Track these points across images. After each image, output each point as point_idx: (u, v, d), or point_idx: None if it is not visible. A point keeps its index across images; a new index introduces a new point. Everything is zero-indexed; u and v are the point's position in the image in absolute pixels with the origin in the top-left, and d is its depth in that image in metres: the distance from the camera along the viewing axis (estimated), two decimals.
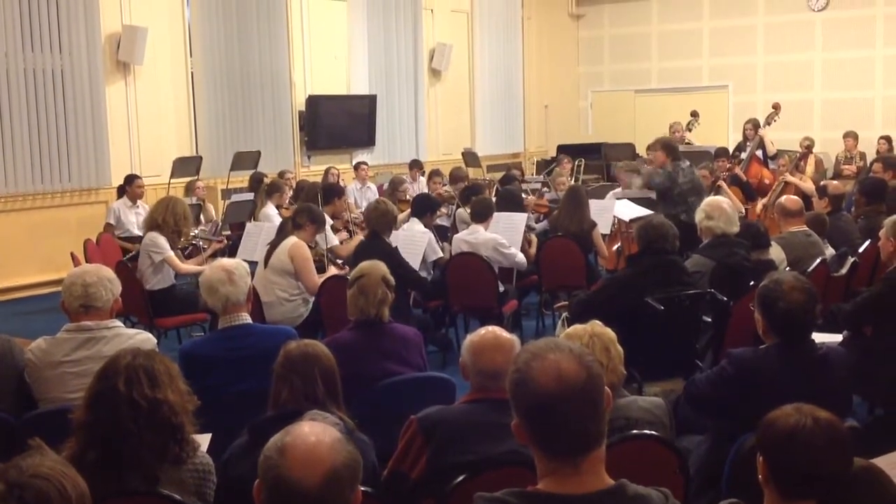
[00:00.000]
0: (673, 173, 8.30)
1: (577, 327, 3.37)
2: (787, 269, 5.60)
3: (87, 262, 7.25)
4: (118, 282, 3.97)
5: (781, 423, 2.33)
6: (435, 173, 11.16)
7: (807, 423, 2.30)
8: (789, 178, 10.75)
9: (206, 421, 3.01)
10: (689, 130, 13.49)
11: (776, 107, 11.85)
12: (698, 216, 5.79)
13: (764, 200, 10.72)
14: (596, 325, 3.37)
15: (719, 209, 5.67)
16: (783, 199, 6.71)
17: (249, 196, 9.80)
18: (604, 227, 8.35)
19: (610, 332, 3.34)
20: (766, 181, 11.15)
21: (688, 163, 8.63)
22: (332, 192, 8.43)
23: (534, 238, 8.11)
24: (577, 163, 13.99)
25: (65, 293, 3.88)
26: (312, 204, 7.25)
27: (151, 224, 6.97)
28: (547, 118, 17.99)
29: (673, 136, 13.20)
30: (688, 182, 8.28)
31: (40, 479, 1.90)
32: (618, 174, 10.48)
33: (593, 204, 8.29)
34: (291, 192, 9.81)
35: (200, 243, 7.88)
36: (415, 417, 3.12)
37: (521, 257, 7.37)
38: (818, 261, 5.79)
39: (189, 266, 7.01)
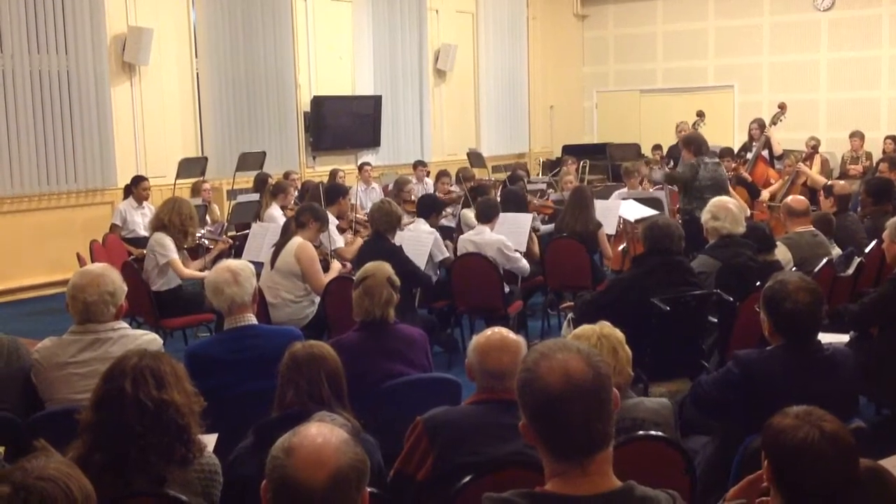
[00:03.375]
0: (696, 166, 8.34)
1: (585, 328, 3.36)
2: (794, 269, 5.59)
3: (92, 263, 7.25)
4: (122, 288, 3.92)
5: (789, 437, 2.29)
6: (443, 174, 11.16)
7: (814, 436, 2.26)
8: (802, 167, 10.74)
9: (212, 422, 3.01)
10: (695, 130, 13.46)
11: (782, 107, 11.84)
12: (704, 216, 5.78)
13: (775, 187, 10.72)
14: (605, 326, 3.36)
15: (725, 209, 5.66)
16: (789, 199, 6.70)
17: (255, 197, 9.81)
18: (609, 228, 8.34)
19: (618, 334, 3.34)
20: (772, 181, 11.14)
21: (716, 159, 8.65)
22: (336, 192, 8.43)
23: (535, 236, 8.09)
24: (581, 163, 13.99)
25: (68, 303, 3.87)
26: (315, 203, 7.26)
27: (157, 225, 6.98)
28: (552, 118, 17.98)
29: (679, 136, 13.20)
30: (709, 178, 8.28)
31: (46, 481, 1.90)
32: (625, 175, 10.46)
33: (598, 204, 8.29)
34: (297, 193, 9.81)
35: (206, 243, 7.88)
36: (420, 418, 3.12)
37: (524, 263, 7.35)
38: (824, 261, 5.77)
39: (192, 272, 6.97)
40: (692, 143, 8.70)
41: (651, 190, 10.18)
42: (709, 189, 8.17)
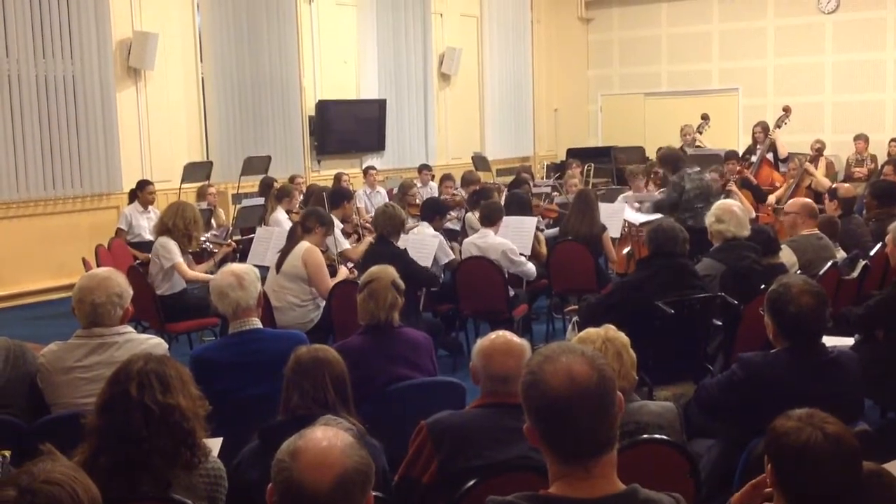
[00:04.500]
0: (680, 182, 8.33)
1: (590, 331, 3.36)
2: (799, 272, 5.58)
3: (98, 267, 7.25)
4: (129, 291, 3.95)
5: (792, 439, 2.29)
6: (447, 177, 11.19)
7: (817, 438, 2.26)
8: (809, 167, 10.74)
9: (217, 425, 3.02)
10: (700, 133, 13.47)
11: (786, 109, 11.82)
12: (708, 220, 5.78)
13: (779, 192, 10.71)
14: (609, 330, 3.35)
15: (730, 212, 5.66)
16: (805, 200, 6.70)
17: (260, 201, 9.82)
18: (614, 231, 8.34)
19: (623, 337, 3.33)
20: (777, 184, 11.13)
21: (697, 168, 8.64)
22: (340, 195, 8.45)
23: (542, 237, 8.10)
24: (586, 167, 13.99)
25: (74, 305, 3.89)
26: (320, 207, 7.27)
27: (162, 229, 6.99)
28: (556, 122, 17.99)
29: (683, 139, 13.20)
30: (695, 188, 8.31)
31: (52, 484, 1.90)
32: (629, 178, 10.47)
33: (603, 207, 8.29)
34: (301, 197, 9.83)
35: (210, 247, 7.89)
36: (425, 422, 3.12)
37: (529, 267, 7.34)
38: (829, 264, 5.77)
39: (197, 273, 6.98)
40: (668, 162, 8.78)
41: (656, 193, 10.18)
42: (697, 199, 8.20)
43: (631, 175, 10.47)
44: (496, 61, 16.37)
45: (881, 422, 5.33)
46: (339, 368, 3.18)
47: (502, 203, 8.25)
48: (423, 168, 12.77)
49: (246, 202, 9.92)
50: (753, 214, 9.28)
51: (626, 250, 8.71)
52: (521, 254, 7.37)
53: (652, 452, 3.05)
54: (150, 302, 6.68)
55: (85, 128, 10.44)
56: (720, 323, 5.18)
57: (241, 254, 8.05)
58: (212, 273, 6.53)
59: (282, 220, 8.71)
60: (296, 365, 3.15)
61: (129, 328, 3.96)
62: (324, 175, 13.08)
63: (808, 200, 6.69)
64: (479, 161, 13.93)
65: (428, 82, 15.02)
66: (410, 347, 4.28)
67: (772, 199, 10.59)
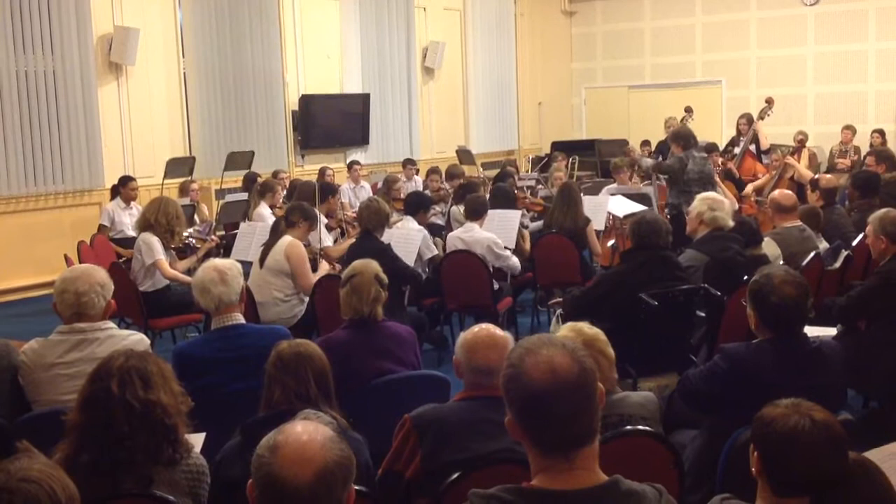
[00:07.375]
0: (685, 160, 8.43)
1: (566, 332, 3.30)
2: (782, 264, 5.59)
3: (80, 264, 7.20)
4: (111, 285, 3.94)
5: (780, 425, 2.29)
6: (433, 170, 11.17)
7: (805, 424, 2.27)
8: (790, 160, 10.78)
9: (199, 421, 3.00)
10: (683, 125, 13.48)
11: (769, 101, 11.86)
12: (700, 208, 5.76)
13: (761, 182, 10.75)
14: (585, 330, 3.28)
15: (719, 202, 5.71)
16: (776, 193, 6.71)
17: (244, 196, 9.79)
18: (598, 224, 8.35)
19: (602, 337, 3.28)
20: (760, 176, 11.18)
21: (703, 154, 8.74)
22: (325, 190, 8.41)
23: (526, 233, 8.10)
24: (570, 159, 13.99)
25: (57, 299, 3.87)
26: (304, 202, 7.23)
27: (144, 224, 6.95)
28: (541, 115, 18.00)
29: (668, 131, 13.22)
30: (696, 172, 8.40)
31: (29, 482, 1.89)
32: (614, 171, 10.48)
33: (587, 200, 8.29)
34: (285, 192, 9.79)
35: (193, 242, 7.85)
36: (409, 416, 3.12)
37: (514, 261, 7.33)
38: (812, 254, 5.78)
39: (176, 273, 6.87)
40: (680, 137, 8.82)
41: (640, 186, 10.21)
42: (696, 183, 8.25)
43: (615, 168, 10.49)
44: (480, 55, 16.37)
45: (863, 411, 5.36)
46: (321, 363, 3.17)
47: (488, 196, 8.25)
48: (408, 162, 12.75)
49: (229, 197, 9.90)
50: (736, 206, 9.31)
51: (610, 243, 8.71)
52: (506, 247, 7.36)
53: (635, 444, 3.05)
54: (133, 298, 6.64)
55: (66, 124, 10.37)
56: (703, 314, 5.20)
57: (225, 249, 8.02)
58: (195, 269, 6.49)
59: (265, 215, 8.67)
60: (277, 360, 3.14)
61: (111, 324, 3.95)
62: (308, 170, 13.04)
63: (776, 195, 6.68)
64: (464, 155, 13.91)
65: (412, 76, 15.00)
66: (394, 342, 4.27)
67: (749, 189, 10.65)
